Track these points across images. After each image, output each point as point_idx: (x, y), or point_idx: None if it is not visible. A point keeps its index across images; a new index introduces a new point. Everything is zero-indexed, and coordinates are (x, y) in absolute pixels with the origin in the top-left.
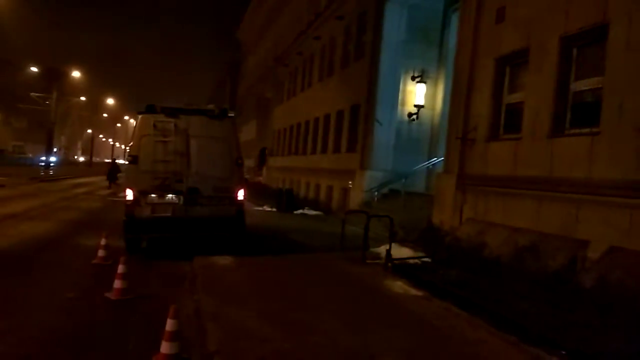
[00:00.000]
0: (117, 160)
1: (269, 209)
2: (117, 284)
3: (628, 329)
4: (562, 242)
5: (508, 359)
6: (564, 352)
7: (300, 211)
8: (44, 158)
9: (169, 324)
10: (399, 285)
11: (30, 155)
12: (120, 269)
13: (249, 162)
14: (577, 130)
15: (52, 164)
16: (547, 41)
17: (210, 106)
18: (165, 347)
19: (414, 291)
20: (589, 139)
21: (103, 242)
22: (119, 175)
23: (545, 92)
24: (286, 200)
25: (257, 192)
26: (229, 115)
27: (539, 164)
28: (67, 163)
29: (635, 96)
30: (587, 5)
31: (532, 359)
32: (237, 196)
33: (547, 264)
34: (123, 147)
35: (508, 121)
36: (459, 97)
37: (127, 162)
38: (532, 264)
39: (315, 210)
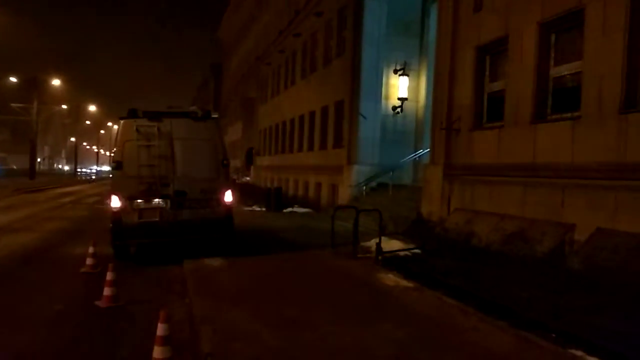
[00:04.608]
0: None
1: (258, 209)
2: (107, 291)
3: (616, 308)
4: (550, 227)
5: (499, 344)
6: (554, 335)
7: (289, 209)
8: None
9: (160, 329)
10: (390, 278)
11: (14, 166)
12: (109, 276)
13: (236, 163)
14: (558, 116)
15: None
16: (525, 28)
17: (193, 108)
18: (157, 352)
19: (405, 283)
20: (571, 124)
21: (91, 250)
22: None
23: (526, 78)
24: (275, 199)
25: (245, 193)
26: (213, 116)
27: (522, 151)
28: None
29: (614, 78)
30: None
31: (523, 342)
32: (224, 197)
33: (536, 249)
34: (107, 153)
35: (491, 110)
36: (442, 88)
37: (111, 169)
38: (521, 250)
39: (305, 207)
